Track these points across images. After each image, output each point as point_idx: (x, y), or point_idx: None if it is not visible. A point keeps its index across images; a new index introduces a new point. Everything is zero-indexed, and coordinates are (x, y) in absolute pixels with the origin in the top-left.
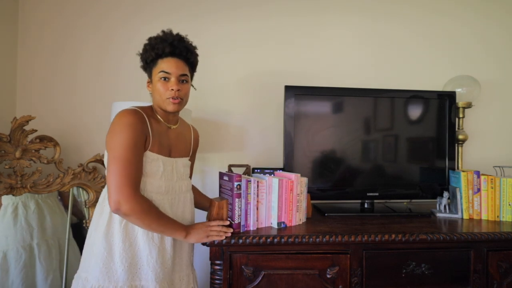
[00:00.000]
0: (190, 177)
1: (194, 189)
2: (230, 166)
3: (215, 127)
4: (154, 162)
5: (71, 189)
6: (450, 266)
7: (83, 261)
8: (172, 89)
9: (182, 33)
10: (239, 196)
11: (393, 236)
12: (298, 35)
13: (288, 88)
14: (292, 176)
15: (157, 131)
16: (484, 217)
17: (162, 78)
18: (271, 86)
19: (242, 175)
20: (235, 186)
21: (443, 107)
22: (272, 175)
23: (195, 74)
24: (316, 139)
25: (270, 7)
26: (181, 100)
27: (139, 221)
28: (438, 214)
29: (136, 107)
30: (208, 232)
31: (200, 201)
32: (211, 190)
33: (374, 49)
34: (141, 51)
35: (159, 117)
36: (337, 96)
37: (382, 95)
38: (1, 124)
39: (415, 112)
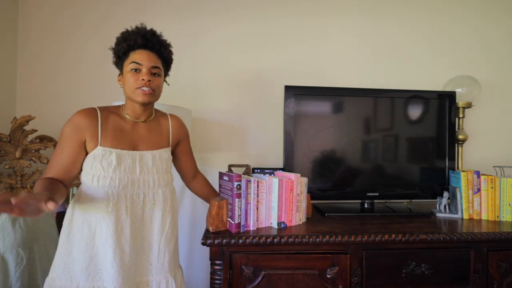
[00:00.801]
0: (194, 168)
1: (205, 183)
2: (230, 166)
3: (215, 127)
4: (106, 156)
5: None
6: (450, 266)
7: (53, 261)
8: (143, 79)
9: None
10: (239, 196)
11: (393, 236)
12: (298, 35)
13: (288, 88)
14: (292, 176)
15: (115, 126)
16: (484, 217)
17: (133, 70)
18: (271, 86)
19: (242, 175)
20: (235, 186)
21: (443, 107)
22: (272, 175)
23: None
24: (316, 139)
25: (270, 7)
26: (153, 91)
27: None
28: (438, 214)
29: (100, 106)
30: None
31: (209, 198)
32: None
33: (374, 49)
34: (113, 45)
35: (125, 113)
36: (337, 96)
37: (382, 95)
38: (1, 124)
39: (415, 112)
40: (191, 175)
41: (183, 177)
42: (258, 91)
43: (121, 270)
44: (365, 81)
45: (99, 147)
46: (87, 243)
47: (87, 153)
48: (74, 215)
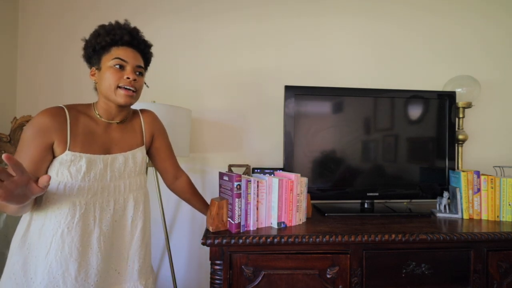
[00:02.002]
0: (174, 168)
1: (188, 187)
2: (230, 166)
3: (215, 127)
4: (75, 161)
5: None
6: (450, 266)
7: (1, 278)
8: (128, 77)
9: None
10: (239, 196)
11: (393, 236)
12: (298, 35)
13: (288, 88)
14: (292, 176)
15: (86, 129)
16: (484, 217)
17: (117, 66)
18: (271, 86)
19: (242, 175)
20: (235, 186)
21: (443, 107)
22: (272, 175)
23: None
24: (316, 139)
25: (270, 8)
26: (135, 92)
27: None
28: (438, 214)
29: (67, 104)
30: None
31: (191, 201)
32: (211, 190)
33: (374, 49)
34: (87, 37)
35: (97, 113)
36: (337, 96)
37: (382, 95)
38: (1, 124)
39: (415, 112)
40: (171, 176)
41: (163, 178)
42: (258, 91)
43: (86, 284)
44: (365, 81)
45: (67, 151)
46: (46, 257)
47: (53, 157)
48: (32, 226)
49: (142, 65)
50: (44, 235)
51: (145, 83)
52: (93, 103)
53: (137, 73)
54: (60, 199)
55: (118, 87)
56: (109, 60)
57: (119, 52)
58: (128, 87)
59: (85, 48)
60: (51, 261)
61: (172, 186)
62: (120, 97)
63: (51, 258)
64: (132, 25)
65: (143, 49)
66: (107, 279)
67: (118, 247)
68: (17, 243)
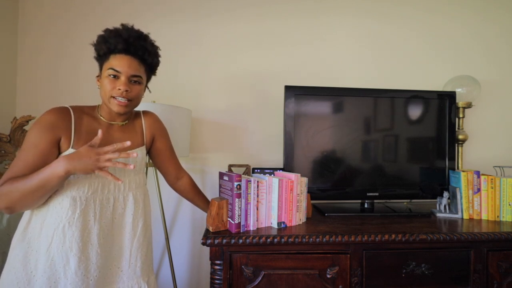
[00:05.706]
0: (176, 168)
1: (190, 187)
2: (230, 166)
3: (215, 127)
4: None
5: None
6: (450, 266)
7: (2, 274)
8: (119, 89)
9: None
10: (239, 196)
11: (393, 236)
12: (299, 35)
13: (288, 88)
14: (292, 176)
15: (88, 129)
16: (484, 217)
17: (111, 76)
18: (271, 86)
19: (242, 175)
20: (235, 186)
21: (443, 107)
22: (272, 175)
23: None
24: (316, 139)
25: (271, 8)
26: (129, 102)
27: (6, 204)
28: (438, 214)
29: (73, 105)
30: (100, 163)
31: (194, 200)
32: (211, 190)
33: (374, 50)
34: (94, 41)
35: (100, 115)
36: (337, 96)
37: (382, 95)
38: (1, 124)
39: (415, 112)
40: (173, 177)
41: (165, 178)
42: (258, 91)
43: (85, 279)
44: (365, 81)
45: (70, 149)
46: (48, 250)
47: (59, 153)
48: (32, 221)
49: (140, 73)
50: (46, 229)
51: (148, 88)
52: (98, 105)
53: (133, 81)
54: (62, 195)
55: (112, 97)
56: (106, 69)
57: (114, 62)
58: (119, 98)
59: (95, 52)
60: (53, 254)
61: (175, 186)
62: (113, 106)
63: (53, 251)
64: (136, 27)
65: (142, 55)
66: (109, 276)
67: (120, 245)
68: (18, 238)
